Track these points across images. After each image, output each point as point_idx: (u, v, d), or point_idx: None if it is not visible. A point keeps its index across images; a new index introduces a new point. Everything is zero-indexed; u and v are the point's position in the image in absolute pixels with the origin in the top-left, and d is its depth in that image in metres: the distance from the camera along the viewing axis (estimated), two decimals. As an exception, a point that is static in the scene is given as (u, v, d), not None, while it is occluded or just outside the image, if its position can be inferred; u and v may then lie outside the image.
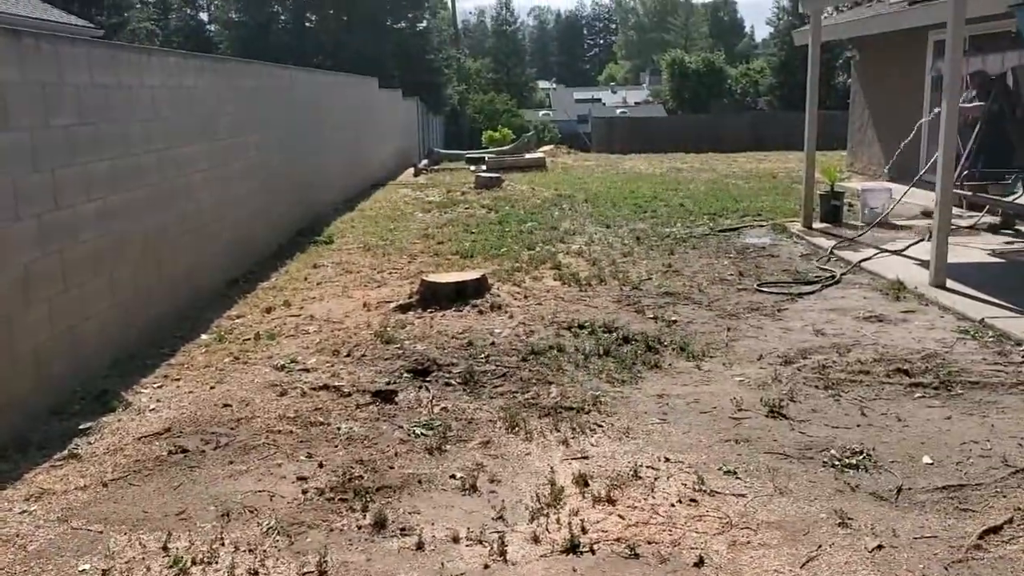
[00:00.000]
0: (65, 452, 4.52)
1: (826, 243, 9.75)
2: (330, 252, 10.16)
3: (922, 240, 9.07)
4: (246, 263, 9.02)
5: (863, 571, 3.29)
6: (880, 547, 3.45)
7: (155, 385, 5.57)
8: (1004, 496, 3.84)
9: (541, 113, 51.55)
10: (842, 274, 8.23)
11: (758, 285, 7.94)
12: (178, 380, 5.66)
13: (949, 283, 7.48)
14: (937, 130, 9.30)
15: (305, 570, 3.39)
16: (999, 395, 5.06)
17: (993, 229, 10.21)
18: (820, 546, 3.48)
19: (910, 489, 3.94)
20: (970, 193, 10.07)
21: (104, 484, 4.18)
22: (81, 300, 5.56)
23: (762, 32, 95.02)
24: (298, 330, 6.77)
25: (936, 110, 9.92)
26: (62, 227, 5.34)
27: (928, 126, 10.62)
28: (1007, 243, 9.43)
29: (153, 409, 5.14)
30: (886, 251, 9.05)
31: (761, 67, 49.53)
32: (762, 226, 11.25)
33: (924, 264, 7.97)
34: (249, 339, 6.51)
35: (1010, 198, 9.44)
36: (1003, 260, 8.78)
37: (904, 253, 8.95)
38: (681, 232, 10.84)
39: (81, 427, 4.83)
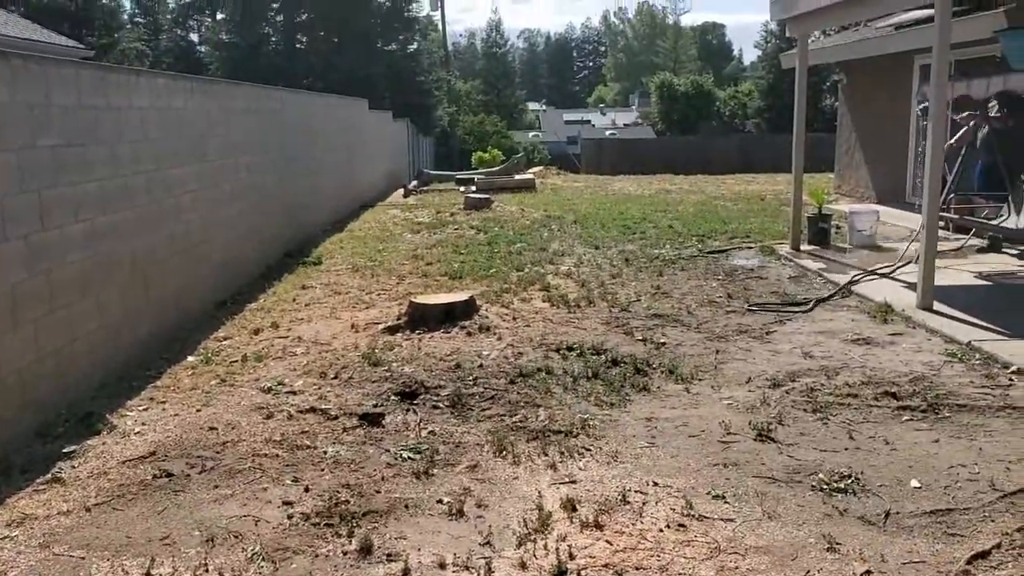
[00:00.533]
0: (48, 476, 4.48)
1: (814, 265, 9.79)
2: (319, 273, 10.14)
3: (910, 262, 9.11)
4: (235, 284, 8.99)
5: (852, 597, 3.28)
6: (868, 572, 3.44)
7: (141, 408, 5.52)
8: (992, 521, 3.84)
9: (531, 134, 51.79)
10: (830, 295, 8.26)
11: (749, 305, 7.97)
12: (164, 403, 5.62)
13: (936, 305, 7.51)
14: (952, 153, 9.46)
15: (290, 597, 3.36)
16: (987, 418, 5.07)
17: (983, 251, 10.29)
18: (808, 571, 3.46)
19: (898, 513, 3.94)
20: (956, 216, 10.14)
21: (87, 509, 4.13)
22: (68, 321, 5.52)
23: (750, 55, 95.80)
24: (285, 352, 6.74)
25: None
26: (49, 248, 5.32)
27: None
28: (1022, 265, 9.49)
29: (138, 432, 5.10)
30: (874, 273, 9.09)
31: (749, 90, 49.89)
32: (751, 248, 11.29)
33: (912, 286, 8.01)
34: (236, 361, 6.48)
35: (996, 221, 9.52)
36: (990, 283, 8.82)
37: (892, 275, 8.99)
38: (670, 254, 10.86)
39: (65, 450, 4.79)
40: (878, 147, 15.75)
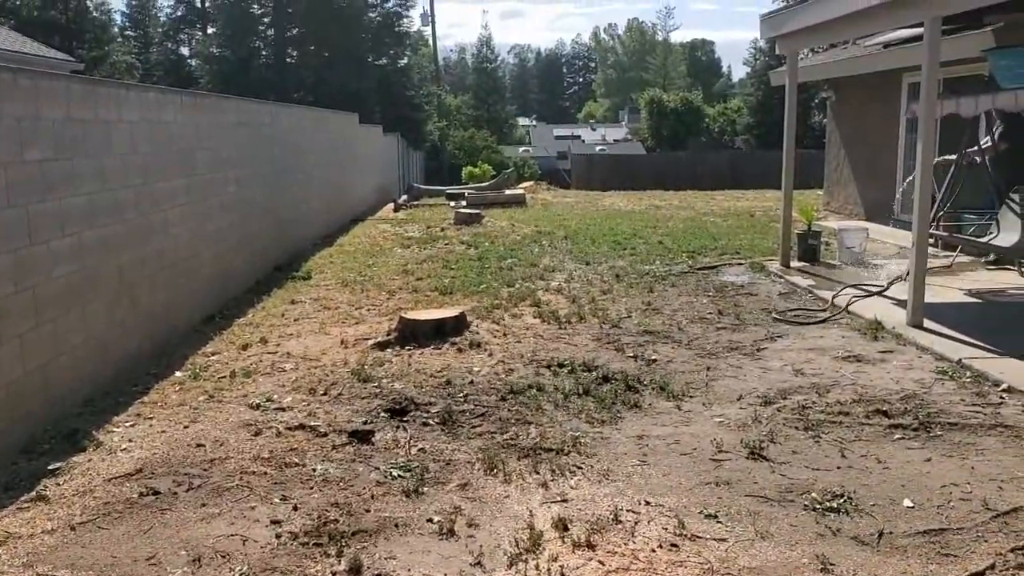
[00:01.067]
0: (33, 494, 4.41)
1: (803, 282, 9.80)
2: (308, 288, 10.09)
3: (900, 279, 9.13)
4: (224, 299, 8.93)
5: (846, 619, 3.25)
6: (863, 594, 3.41)
7: (128, 424, 5.46)
8: (986, 541, 3.82)
9: (521, 149, 51.79)
10: (840, 311, 8.25)
11: (775, 316, 8.22)
12: (151, 419, 5.56)
13: (927, 323, 7.52)
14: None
15: (278, 618, 3.30)
16: (978, 437, 5.06)
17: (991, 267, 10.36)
18: (802, 593, 3.44)
19: (891, 533, 3.92)
20: (945, 233, 10.18)
21: (72, 527, 4.07)
22: (54, 336, 5.47)
23: (739, 72, 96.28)
24: (274, 368, 6.69)
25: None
26: (36, 263, 5.27)
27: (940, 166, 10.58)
28: None
29: (125, 449, 5.04)
30: (864, 290, 9.09)
31: (738, 106, 50.18)
32: (740, 264, 11.30)
33: (902, 303, 8.02)
34: (224, 377, 6.42)
35: (985, 239, 9.56)
36: (979, 300, 8.85)
37: (883, 293, 8.99)
38: (660, 270, 10.87)
39: (50, 467, 4.72)
40: (867, 164, 15.83)
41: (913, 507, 4.17)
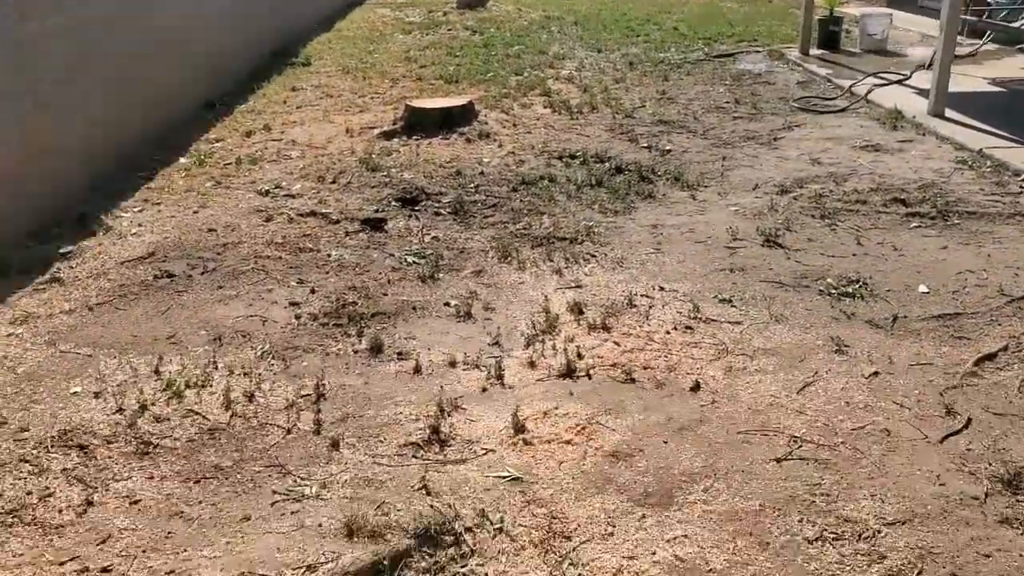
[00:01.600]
0: (47, 276, 4.42)
1: (822, 71, 9.44)
2: (308, 75, 9.73)
3: (923, 67, 8.79)
4: (222, 84, 8.61)
5: (860, 397, 3.31)
6: (876, 373, 3.47)
7: (135, 209, 5.40)
8: (999, 324, 3.85)
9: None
10: (859, 100, 8.00)
11: (794, 102, 8.07)
12: (159, 204, 5.49)
13: (948, 112, 7.29)
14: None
15: (303, 393, 3.37)
16: (996, 225, 5.01)
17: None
18: (817, 372, 3.49)
19: (906, 317, 3.94)
20: (974, 18, 9.71)
21: (90, 308, 4.10)
22: (52, 120, 5.29)
23: None
24: (280, 155, 6.55)
25: None
26: (29, 43, 5.00)
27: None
28: None
29: (135, 233, 5.00)
30: (884, 79, 8.76)
31: None
32: (758, 52, 10.86)
33: (923, 93, 7.75)
34: (230, 163, 6.30)
35: (1018, 22, 9.12)
36: (1003, 89, 8.55)
37: (904, 81, 8.68)
38: (675, 57, 10.45)
39: (62, 251, 4.71)
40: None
41: (928, 292, 4.18)
